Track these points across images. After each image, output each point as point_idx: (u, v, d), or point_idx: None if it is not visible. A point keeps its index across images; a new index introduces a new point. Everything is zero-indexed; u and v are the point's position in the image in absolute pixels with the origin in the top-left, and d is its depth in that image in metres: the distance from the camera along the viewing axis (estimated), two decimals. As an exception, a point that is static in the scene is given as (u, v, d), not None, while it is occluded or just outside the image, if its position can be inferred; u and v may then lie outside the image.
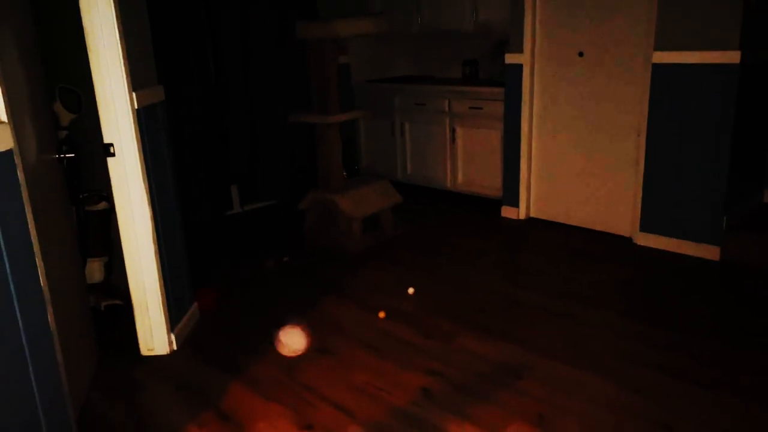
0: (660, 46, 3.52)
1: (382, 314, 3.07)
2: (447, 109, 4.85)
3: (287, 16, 4.79)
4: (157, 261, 2.66)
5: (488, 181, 4.73)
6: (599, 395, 2.34)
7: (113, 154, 2.50)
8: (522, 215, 4.46)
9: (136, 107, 2.49)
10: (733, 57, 3.29)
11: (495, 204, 4.64)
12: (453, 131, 4.84)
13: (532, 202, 4.45)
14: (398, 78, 5.55)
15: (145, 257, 2.65)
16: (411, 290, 3.33)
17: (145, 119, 2.59)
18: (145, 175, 2.57)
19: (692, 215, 3.61)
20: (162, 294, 2.71)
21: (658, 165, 3.68)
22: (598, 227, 4.12)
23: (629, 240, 3.92)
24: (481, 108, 4.63)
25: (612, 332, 2.81)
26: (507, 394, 2.37)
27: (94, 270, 3.18)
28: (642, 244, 3.84)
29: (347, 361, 2.67)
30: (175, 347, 2.80)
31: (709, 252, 3.57)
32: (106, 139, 2.49)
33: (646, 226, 3.81)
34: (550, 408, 2.27)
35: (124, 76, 2.43)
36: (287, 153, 5.07)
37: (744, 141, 3.59)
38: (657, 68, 3.56)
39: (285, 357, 2.69)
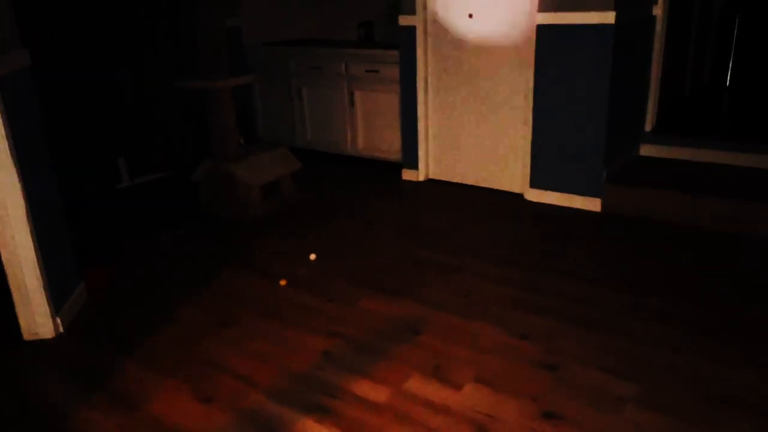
0: (543, 8, 3.65)
1: (283, 282, 3.05)
2: (344, 72, 4.80)
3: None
4: (33, 240, 2.48)
5: (388, 144, 4.76)
6: (490, 343, 2.46)
7: (-28, 127, 2.28)
8: (422, 177, 4.54)
9: (-5, 74, 2.28)
10: (609, 17, 3.47)
11: (396, 167, 4.70)
12: (351, 95, 4.81)
13: (431, 163, 4.54)
14: (294, 41, 5.41)
15: (19, 237, 2.46)
16: (313, 256, 3.33)
17: (7, 89, 2.37)
18: (13, 151, 2.36)
19: (575, 170, 3.83)
20: (42, 275, 2.53)
21: (545, 124, 3.86)
22: (493, 185, 4.28)
23: (521, 196, 4.11)
24: (377, 71, 4.62)
25: (502, 283, 2.96)
26: (405, 349, 2.44)
27: (-36, 254, 2.92)
28: (532, 199, 4.04)
29: (248, 331, 2.64)
30: (61, 330, 2.65)
31: (592, 204, 3.82)
32: (-37, 111, 2.27)
33: (535, 183, 4.00)
34: (446, 359, 2.37)
35: (-22, 39, 2.21)
36: (180, 120, 4.84)
37: (621, 98, 3.82)
38: (541, 29, 3.69)
39: (182, 332, 2.62)
